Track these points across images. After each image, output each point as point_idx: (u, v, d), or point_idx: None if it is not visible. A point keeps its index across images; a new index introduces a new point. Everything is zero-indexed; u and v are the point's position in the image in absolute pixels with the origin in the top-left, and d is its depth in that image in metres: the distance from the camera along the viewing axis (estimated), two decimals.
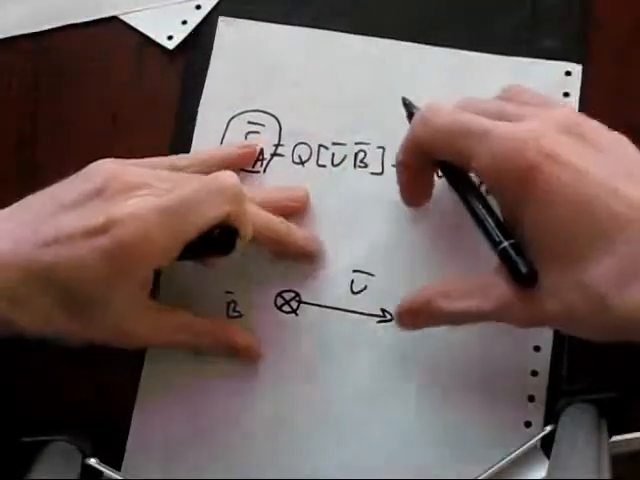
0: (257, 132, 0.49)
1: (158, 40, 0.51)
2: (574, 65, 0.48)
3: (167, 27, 0.51)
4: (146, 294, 0.43)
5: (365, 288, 0.45)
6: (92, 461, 0.43)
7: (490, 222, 0.40)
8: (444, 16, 0.50)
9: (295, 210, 0.47)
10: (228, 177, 0.41)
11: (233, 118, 0.49)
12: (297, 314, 0.46)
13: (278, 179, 0.48)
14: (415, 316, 0.42)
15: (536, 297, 0.38)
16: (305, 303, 0.46)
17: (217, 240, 0.41)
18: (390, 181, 0.45)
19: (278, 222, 0.45)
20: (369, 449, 0.44)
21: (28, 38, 0.52)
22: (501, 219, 0.40)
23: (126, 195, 0.40)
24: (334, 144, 0.48)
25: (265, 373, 0.45)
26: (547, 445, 0.41)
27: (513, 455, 0.42)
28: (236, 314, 0.46)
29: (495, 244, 0.39)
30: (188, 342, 0.44)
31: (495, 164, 0.38)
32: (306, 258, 0.46)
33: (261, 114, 0.49)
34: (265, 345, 0.45)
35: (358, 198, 0.47)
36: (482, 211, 0.40)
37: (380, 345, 0.45)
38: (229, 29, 0.50)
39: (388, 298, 0.45)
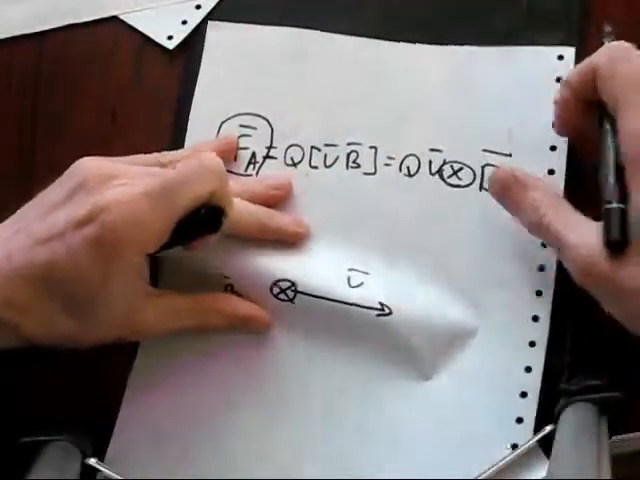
0: (249, 135, 0.49)
1: (158, 40, 0.51)
2: (566, 48, 0.48)
3: (167, 27, 0.51)
4: (144, 281, 0.43)
5: (362, 284, 0.45)
6: (92, 461, 0.43)
7: (611, 178, 0.40)
8: (441, 17, 0.50)
9: (279, 198, 0.47)
10: (210, 156, 0.42)
11: (225, 122, 0.49)
12: (294, 302, 0.45)
13: None
14: (506, 188, 0.43)
15: (615, 263, 0.38)
16: (301, 293, 0.45)
17: (204, 220, 0.42)
18: (383, 181, 0.46)
19: (257, 211, 0.45)
20: (365, 441, 0.44)
21: (28, 38, 0.52)
22: (626, 182, 0.39)
23: (107, 184, 0.41)
24: (326, 145, 0.48)
25: (262, 359, 0.45)
26: (547, 445, 0.41)
27: (513, 455, 0.42)
28: None
29: (605, 201, 0.39)
30: (195, 324, 0.44)
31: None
32: (294, 239, 0.46)
33: (253, 117, 0.49)
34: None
35: (351, 198, 0.47)
36: (610, 164, 0.40)
37: (378, 338, 0.45)
38: (218, 33, 0.51)
39: (386, 293, 0.45)
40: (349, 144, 0.48)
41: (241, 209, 0.45)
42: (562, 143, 0.46)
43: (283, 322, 0.45)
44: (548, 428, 0.42)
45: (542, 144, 0.46)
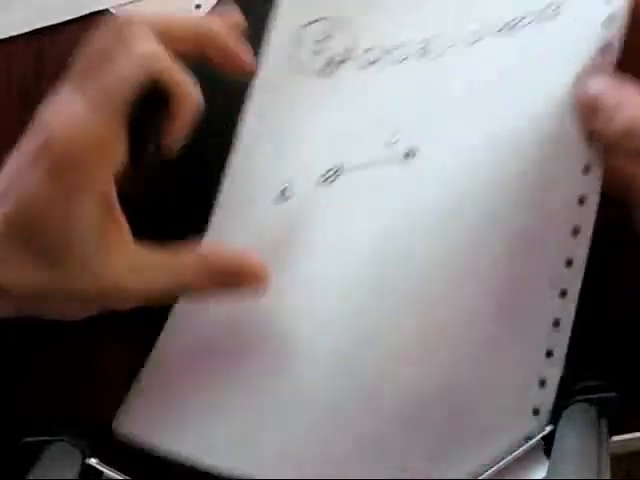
0: (328, 39, 0.47)
1: None
2: None
3: None
4: (111, 219, 0.40)
5: (398, 140, 0.44)
6: (92, 461, 0.43)
7: None
8: None
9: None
10: (142, 43, 0.39)
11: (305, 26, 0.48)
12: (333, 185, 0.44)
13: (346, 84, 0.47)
14: None
15: None
16: (347, 171, 0.44)
17: (152, 110, 0.39)
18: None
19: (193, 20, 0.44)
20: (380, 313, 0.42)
21: (28, 38, 0.52)
22: None
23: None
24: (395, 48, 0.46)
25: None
26: (547, 445, 0.42)
27: (513, 455, 0.42)
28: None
29: None
30: (171, 283, 0.40)
31: None
32: (239, 64, 0.43)
33: (330, 21, 0.48)
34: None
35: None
36: None
37: (409, 184, 0.43)
38: None
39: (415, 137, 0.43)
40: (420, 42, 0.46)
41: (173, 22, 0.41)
42: None
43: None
44: (548, 428, 0.42)
45: None
